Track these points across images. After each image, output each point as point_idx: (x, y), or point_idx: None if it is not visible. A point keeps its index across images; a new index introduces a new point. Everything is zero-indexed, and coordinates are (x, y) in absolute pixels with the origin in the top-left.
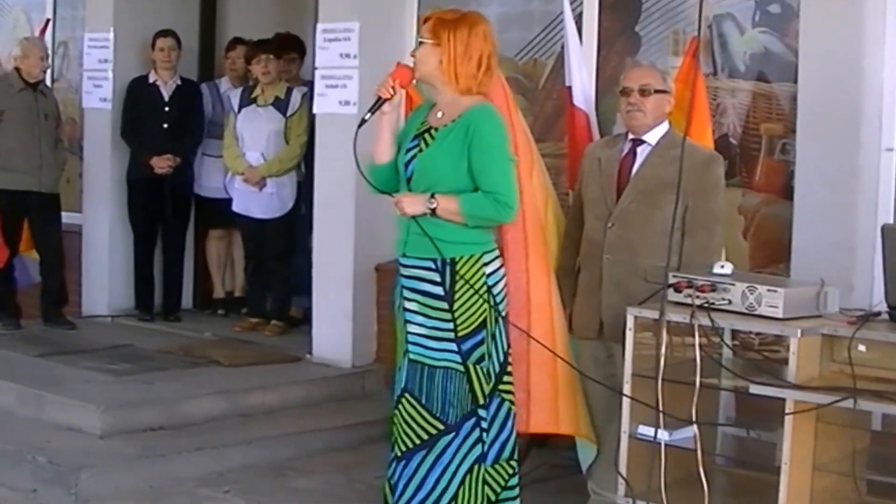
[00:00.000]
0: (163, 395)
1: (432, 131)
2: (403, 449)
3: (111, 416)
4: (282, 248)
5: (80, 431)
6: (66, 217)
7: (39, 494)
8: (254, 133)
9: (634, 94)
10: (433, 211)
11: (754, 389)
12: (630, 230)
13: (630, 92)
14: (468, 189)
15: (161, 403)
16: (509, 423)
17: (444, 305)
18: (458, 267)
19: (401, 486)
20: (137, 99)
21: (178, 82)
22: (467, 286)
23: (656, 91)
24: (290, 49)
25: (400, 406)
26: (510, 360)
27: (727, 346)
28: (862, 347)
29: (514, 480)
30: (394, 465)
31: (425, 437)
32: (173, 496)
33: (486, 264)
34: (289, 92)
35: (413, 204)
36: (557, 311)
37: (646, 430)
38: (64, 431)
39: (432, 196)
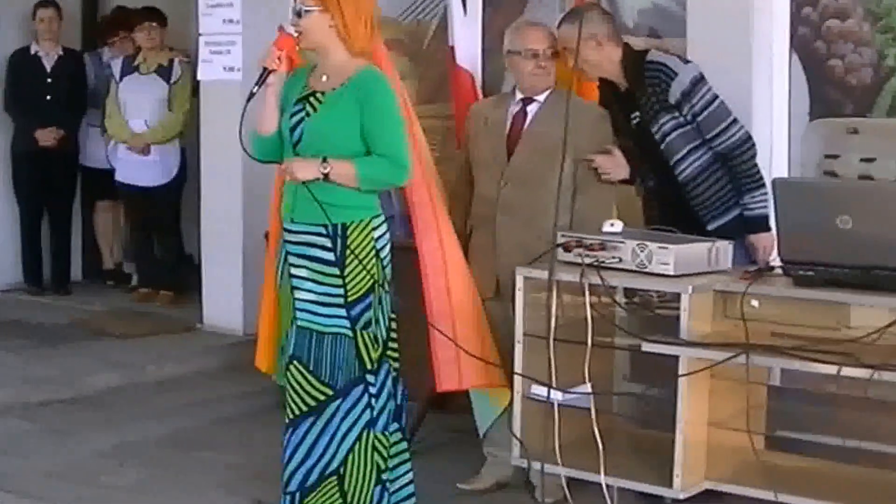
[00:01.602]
0: (56, 370)
1: (318, 95)
2: (292, 416)
3: (4, 393)
4: (168, 216)
5: None
6: None
7: None
8: (137, 101)
9: (543, 58)
10: (326, 176)
11: (647, 347)
12: (525, 189)
13: (538, 54)
14: (360, 153)
15: (56, 378)
16: (398, 389)
17: (335, 271)
18: (349, 232)
19: (289, 452)
20: (20, 71)
21: (61, 53)
22: (358, 250)
23: (554, 53)
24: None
25: (288, 374)
26: (394, 325)
27: (619, 305)
28: (755, 303)
29: (404, 446)
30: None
31: (314, 403)
32: (73, 471)
33: (374, 229)
34: (171, 60)
35: (304, 169)
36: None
37: (539, 391)
38: None
39: (325, 160)
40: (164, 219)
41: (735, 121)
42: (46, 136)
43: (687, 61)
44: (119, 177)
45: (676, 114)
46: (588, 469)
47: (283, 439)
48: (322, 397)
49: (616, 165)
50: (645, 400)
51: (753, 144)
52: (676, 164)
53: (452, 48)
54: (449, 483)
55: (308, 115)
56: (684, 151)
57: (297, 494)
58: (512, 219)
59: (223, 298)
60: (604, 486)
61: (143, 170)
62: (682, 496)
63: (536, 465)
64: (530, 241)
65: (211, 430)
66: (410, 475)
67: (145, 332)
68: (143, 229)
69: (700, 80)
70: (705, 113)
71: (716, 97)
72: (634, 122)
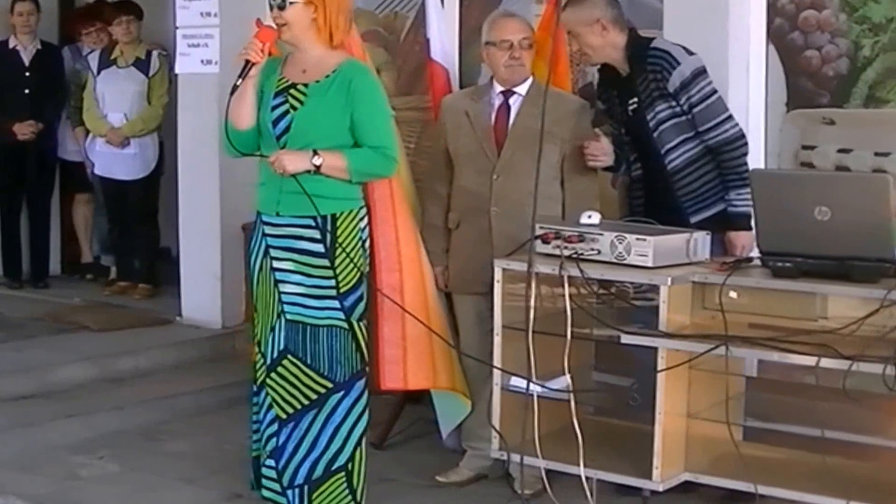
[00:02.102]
0: (32, 363)
1: (300, 87)
2: (290, 411)
3: None
4: (146, 210)
5: None
6: None
7: None
8: (115, 94)
9: (517, 49)
10: (318, 168)
11: (625, 339)
12: (516, 181)
13: (512, 45)
14: (347, 145)
15: (31, 371)
16: None
17: (325, 263)
18: (338, 223)
19: (290, 448)
20: None
21: (39, 46)
22: (346, 243)
23: (532, 44)
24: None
25: (281, 368)
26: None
27: (598, 296)
28: (733, 294)
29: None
30: (276, 427)
31: (314, 396)
32: (46, 465)
33: (360, 220)
34: (149, 53)
35: (295, 161)
36: (426, 265)
37: (518, 383)
38: None
39: (315, 153)
40: (143, 212)
41: (730, 117)
42: (24, 130)
43: (692, 53)
44: (97, 170)
45: (673, 103)
46: (567, 461)
47: (262, 435)
48: (322, 390)
49: (604, 153)
50: (622, 391)
51: (746, 143)
52: (667, 153)
53: (428, 40)
54: (427, 475)
55: (293, 107)
56: (676, 141)
57: (305, 488)
58: (504, 211)
59: (201, 292)
60: (583, 478)
61: (121, 163)
62: (660, 488)
63: (515, 458)
64: (522, 233)
65: (186, 422)
66: None
67: (123, 326)
68: (121, 222)
69: (702, 72)
70: (702, 105)
71: (714, 91)
72: (631, 107)
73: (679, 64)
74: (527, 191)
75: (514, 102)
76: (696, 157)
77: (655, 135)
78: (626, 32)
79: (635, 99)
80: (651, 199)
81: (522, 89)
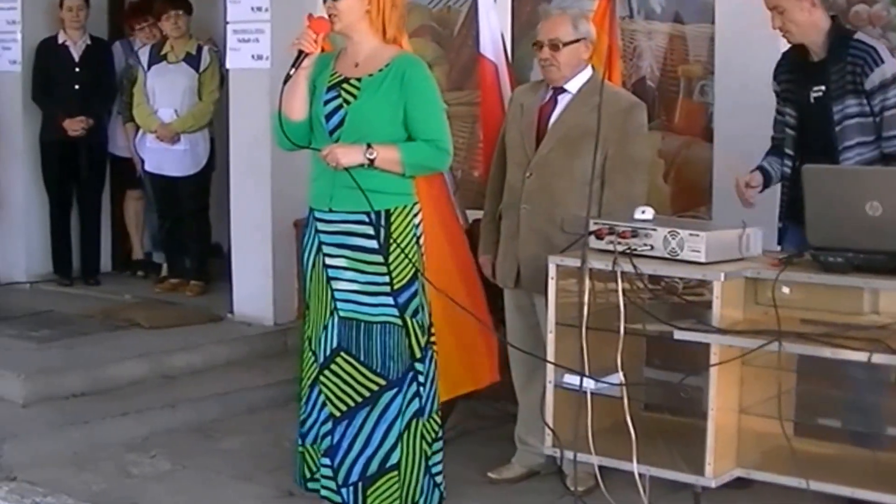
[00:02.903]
0: (85, 361)
1: (353, 81)
2: (344, 409)
3: (33, 384)
4: (197, 206)
5: (2, 400)
6: None
7: None
8: (166, 89)
9: (545, 50)
10: (372, 161)
11: (678, 335)
12: (549, 179)
13: (541, 46)
14: (401, 138)
15: (84, 369)
16: (436, 376)
17: (379, 259)
18: (392, 218)
19: (345, 446)
20: (47, 60)
21: (88, 42)
22: (400, 239)
23: (566, 44)
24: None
25: (334, 366)
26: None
27: (652, 292)
28: (786, 289)
29: (442, 432)
30: (330, 425)
31: (367, 394)
32: (99, 462)
33: (415, 215)
34: (199, 48)
35: (348, 154)
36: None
37: (571, 380)
38: None
39: (369, 146)
40: (194, 208)
41: None
42: (75, 126)
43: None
44: (147, 167)
45: (864, 101)
46: (620, 457)
47: (331, 432)
48: (375, 388)
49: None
50: (673, 387)
51: None
52: (843, 151)
53: (478, 35)
54: (479, 471)
55: (347, 101)
56: (855, 141)
57: (360, 485)
58: (534, 208)
59: (253, 288)
60: (636, 474)
61: (171, 159)
62: (713, 484)
63: (568, 454)
64: (552, 231)
65: (239, 420)
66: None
67: (174, 323)
68: (172, 219)
69: None
70: (894, 111)
71: None
72: (815, 94)
73: (883, 63)
74: (560, 189)
75: (562, 99)
76: (869, 162)
77: (837, 129)
78: (831, 20)
79: (822, 87)
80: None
81: (574, 86)
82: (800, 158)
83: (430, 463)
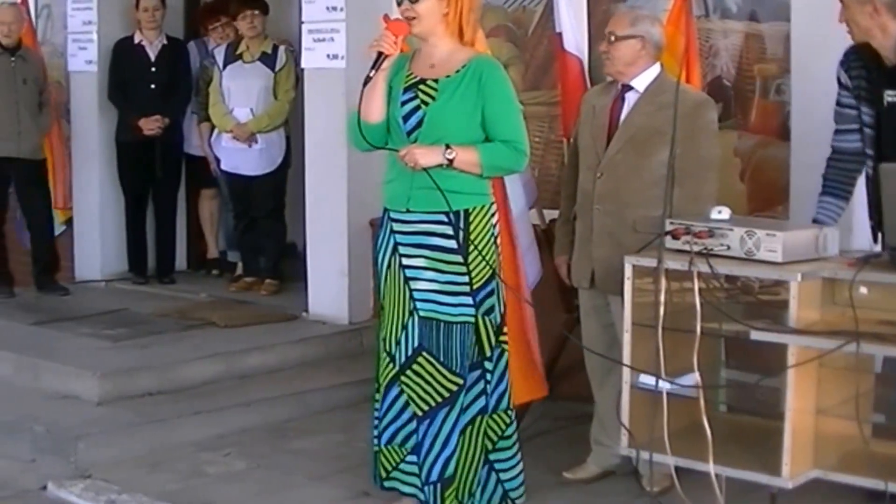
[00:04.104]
0: (159, 360)
1: (429, 83)
2: (426, 408)
3: (108, 383)
4: (272, 205)
5: (78, 399)
6: None
7: (38, 464)
8: (241, 89)
9: (604, 42)
10: (451, 162)
11: (755, 336)
12: (619, 180)
13: (606, 37)
14: (479, 139)
15: (158, 368)
16: (507, 374)
17: (459, 259)
18: (470, 218)
19: (427, 445)
20: (123, 60)
21: (164, 42)
22: (478, 240)
23: (620, 38)
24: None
25: (416, 366)
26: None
27: (728, 292)
28: (863, 289)
29: (512, 429)
30: (414, 424)
31: (446, 394)
32: (173, 461)
33: (492, 215)
34: (275, 48)
35: (427, 155)
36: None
37: (647, 380)
38: (61, 399)
39: (448, 147)
40: (269, 207)
41: None
42: (150, 125)
43: None
44: (224, 166)
45: None
46: (696, 458)
47: (416, 431)
48: (454, 388)
49: None
50: (749, 388)
51: None
52: None
53: (560, 34)
54: (554, 472)
55: (425, 103)
56: None
57: (439, 485)
58: (606, 209)
59: (328, 287)
60: (712, 474)
61: (247, 159)
62: (790, 485)
63: (644, 455)
64: (623, 232)
65: (313, 419)
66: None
67: (249, 322)
68: (247, 218)
69: None
70: None
71: None
72: (890, 99)
73: None
74: (630, 190)
75: (629, 98)
76: None
77: None
78: None
79: (894, 92)
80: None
81: (640, 84)
82: (871, 166)
83: (493, 458)
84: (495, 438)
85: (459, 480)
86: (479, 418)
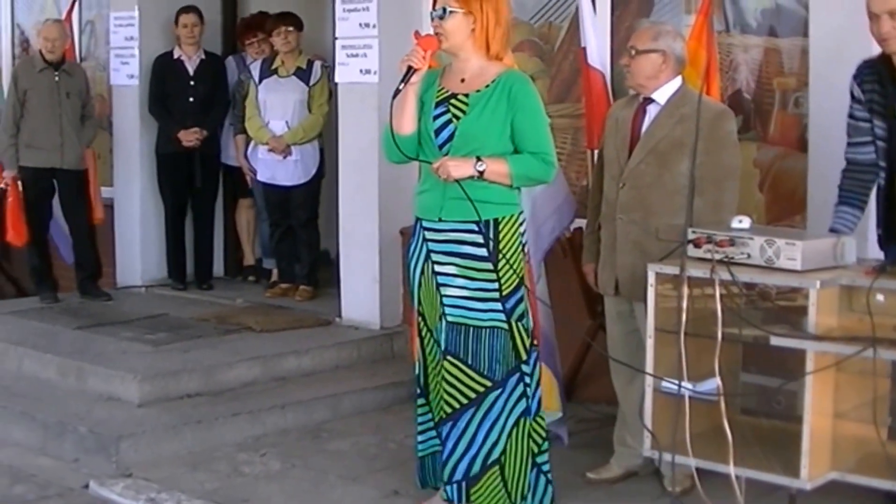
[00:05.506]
0: (199, 363)
1: (460, 97)
2: (450, 410)
3: (149, 385)
4: (307, 214)
5: (120, 401)
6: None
7: (81, 464)
8: (276, 102)
9: (625, 56)
10: (481, 174)
11: (775, 341)
12: (641, 190)
13: (625, 53)
14: (508, 151)
15: (197, 371)
16: (540, 378)
17: (489, 266)
18: (500, 227)
19: (450, 445)
20: (163, 75)
21: (203, 57)
22: (506, 249)
23: (640, 52)
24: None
25: (442, 370)
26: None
27: (748, 299)
28: (880, 297)
29: (547, 433)
30: (440, 427)
31: (473, 395)
32: (212, 461)
33: (521, 224)
34: (310, 63)
35: (459, 167)
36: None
37: (670, 384)
38: (104, 401)
39: (479, 159)
40: (304, 216)
41: None
42: (189, 137)
43: None
44: (260, 177)
45: None
46: (716, 460)
47: (440, 433)
48: (481, 389)
49: None
50: (768, 392)
51: None
52: None
53: (584, 49)
54: (578, 472)
55: (456, 117)
56: None
57: (463, 484)
58: (629, 218)
59: (360, 293)
60: (732, 476)
61: (283, 170)
62: (808, 487)
63: (667, 456)
64: (646, 241)
65: (348, 422)
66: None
67: (284, 326)
68: (283, 226)
69: None
70: None
71: None
72: None
73: None
74: (653, 200)
75: (651, 110)
76: None
77: None
78: None
79: None
80: (891, 214)
81: (661, 97)
82: (884, 179)
83: (539, 461)
84: (540, 441)
85: (510, 483)
86: (522, 420)
